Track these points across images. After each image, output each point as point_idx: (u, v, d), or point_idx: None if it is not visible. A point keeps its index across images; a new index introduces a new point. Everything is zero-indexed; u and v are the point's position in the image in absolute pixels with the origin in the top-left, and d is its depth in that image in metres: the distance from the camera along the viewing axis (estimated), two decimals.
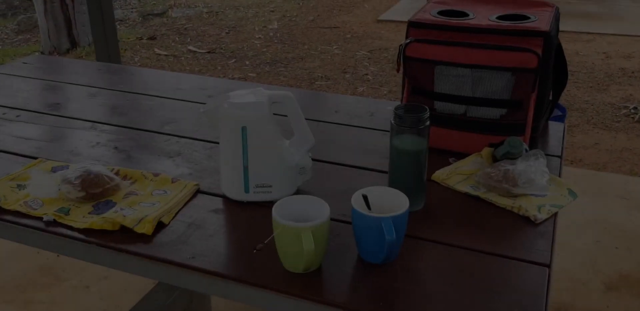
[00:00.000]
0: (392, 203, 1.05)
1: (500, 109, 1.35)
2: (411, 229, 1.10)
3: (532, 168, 1.21)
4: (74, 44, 5.66)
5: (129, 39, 5.93)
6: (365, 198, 1.05)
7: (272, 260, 1.06)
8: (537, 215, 1.16)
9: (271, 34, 6.01)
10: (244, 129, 1.17)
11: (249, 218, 1.19)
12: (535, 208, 1.18)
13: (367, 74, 4.82)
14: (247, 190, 1.23)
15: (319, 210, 1.04)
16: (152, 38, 5.97)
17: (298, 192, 1.28)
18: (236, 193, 1.23)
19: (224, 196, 1.26)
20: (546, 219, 1.17)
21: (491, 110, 1.36)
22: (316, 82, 4.67)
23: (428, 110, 1.14)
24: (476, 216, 1.20)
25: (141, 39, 5.96)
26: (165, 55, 5.46)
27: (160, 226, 1.16)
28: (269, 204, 1.14)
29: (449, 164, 1.38)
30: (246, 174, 1.21)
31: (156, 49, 5.61)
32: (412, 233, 1.12)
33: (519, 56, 1.30)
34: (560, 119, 1.71)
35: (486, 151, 1.35)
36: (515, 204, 1.19)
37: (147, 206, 1.21)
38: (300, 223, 0.98)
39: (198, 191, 1.28)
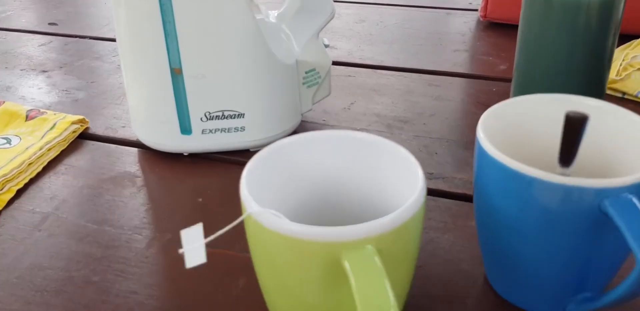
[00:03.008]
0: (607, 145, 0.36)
1: None
2: None
3: None
4: None
5: None
6: (579, 123, 0.31)
7: None
8: None
9: None
10: None
11: (195, 193, 0.50)
12: None
13: None
14: (186, 128, 0.53)
15: (381, 177, 0.35)
16: None
17: (302, 127, 0.58)
18: (163, 134, 0.54)
19: (138, 145, 0.56)
20: None
21: None
22: None
23: None
24: None
25: None
26: None
27: None
28: (243, 157, 0.47)
29: None
30: (180, 88, 0.51)
31: None
32: None
33: None
34: None
35: None
36: None
37: None
38: (335, 228, 0.29)
39: (83, 136, 0.59)
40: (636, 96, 0.60)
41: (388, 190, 0.35)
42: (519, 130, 0.38)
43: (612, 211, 0.29)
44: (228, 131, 0.53)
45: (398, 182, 0.34)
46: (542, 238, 0.33)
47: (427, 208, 0.46)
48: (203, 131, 0.53)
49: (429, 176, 0.51)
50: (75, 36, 0.82)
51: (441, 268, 0.41)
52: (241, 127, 0.53)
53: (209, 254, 0.43)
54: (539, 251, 0.34)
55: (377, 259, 0.28)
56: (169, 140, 0.53)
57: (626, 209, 0.29)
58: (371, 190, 0.36)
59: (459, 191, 0.49)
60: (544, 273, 0.34)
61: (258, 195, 0.32)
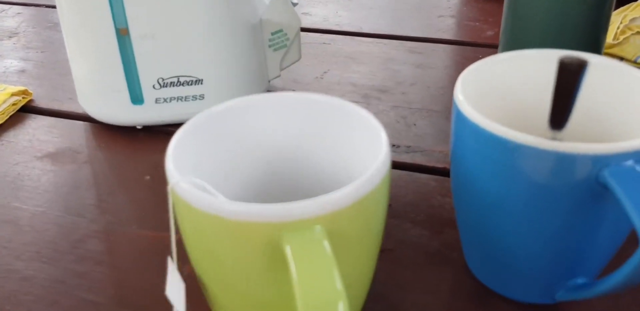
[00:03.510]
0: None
1: None
2: None
3: None
4: None
5: None
6: (576, 70, 0.24)
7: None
8: None
9: None
10: None
11: (144, 170, 0.45)
12: None
13: None
14: (137, 97, 0.47)
15: (339, 145, 0.30)
16: None
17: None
18: (111, 105, 0.48)
19: (86, 118, 0.51)
20: None
21: None
22: None
23: None
24: None
25: None
26: None
27: None
28: None
29: None
30: (128, 51, 0.45)
31: None
32: None
33: None
34: None
35: None
36: None
37: None
38: (275, 205, 0.23)
39: (25, 109, 0.53)
40: (635, 62, 0.55)
41: (347, 161, 0.30)
42: (504, 92, 0.33)
43: (612, 182, 0.24)
44: (185, 100, 0.48)
45: (359, 151, 0.29)
46: (529, 216, 0.28)
47: (403, 184, 0.42)
48: (157, 100, 0.47)
49: (406, 149, 0.46)
50: (31, 4, 0.76)
51: (414, 251, 0.36)
52: (200, 95, 0.48)
53: (149, 238, 0.38)
54: (525, 231, 0.28)
55: (325, 243, 0.23)
56: (119, 111, 0.48)
57: (629, 179, 0.24)
58: (328, 162, 0.31)
59: (439, 165, 0.44)
60: (531, 256, 0.29)
61: (190, 170, 0.26)
